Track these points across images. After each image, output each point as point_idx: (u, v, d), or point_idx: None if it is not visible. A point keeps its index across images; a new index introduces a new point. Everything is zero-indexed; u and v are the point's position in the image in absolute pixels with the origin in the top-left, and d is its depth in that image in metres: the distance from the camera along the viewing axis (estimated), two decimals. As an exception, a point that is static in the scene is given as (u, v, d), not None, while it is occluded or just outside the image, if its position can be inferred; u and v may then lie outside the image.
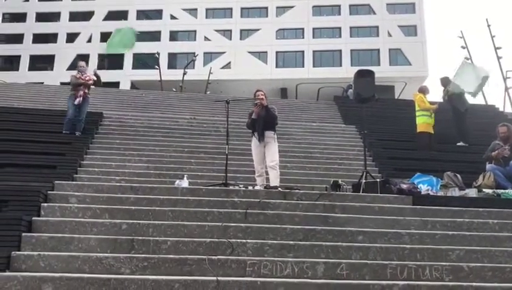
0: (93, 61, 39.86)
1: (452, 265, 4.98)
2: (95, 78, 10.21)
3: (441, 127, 11.13)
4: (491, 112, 15.36)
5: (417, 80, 38.11)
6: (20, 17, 46.98)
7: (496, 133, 8.92)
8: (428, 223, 6.09)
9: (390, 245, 5.41)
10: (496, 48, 28.70)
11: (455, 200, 7.02)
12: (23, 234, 4.95)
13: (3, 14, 47.60)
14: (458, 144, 11.09)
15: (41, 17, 46.97)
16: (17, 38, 46.01)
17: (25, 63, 45.37)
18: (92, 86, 10.39)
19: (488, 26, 29.11)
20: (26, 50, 45.42)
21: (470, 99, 12.25)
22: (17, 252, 4.65)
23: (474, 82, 11.62)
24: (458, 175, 8.05)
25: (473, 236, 5.79)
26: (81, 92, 9.81)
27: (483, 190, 7.71)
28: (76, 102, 9.70)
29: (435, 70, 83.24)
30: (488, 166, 8.50)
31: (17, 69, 44.49)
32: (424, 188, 7.42)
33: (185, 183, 7.20)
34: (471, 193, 7.48)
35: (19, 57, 45.42)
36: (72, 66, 11.00)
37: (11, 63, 45.63)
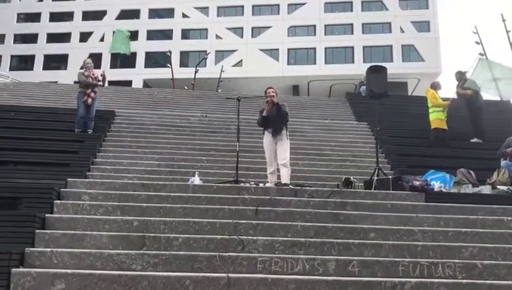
0: (106, 60, 40.20)
1: (465, 262, 4.92)
2: (101, 78, 10.21)
3: (455, 123, 10.99)
4: (505, 108, 15.12)
5: (430, 76, 37.66)
6: (34, 17, 47.54)
7: (511, 129, 8.80)
8: (441, 220, 6.03)
9: (403, 242, 5.37)
10: None
11: (468, 197, 6.95)
12: (37, 230, 5.02)
13: (18, 14, 48.21)
14: (472, 140, 10.93)
15: (55, 16, 47.47)
16: (32, 38, 46.60)
17: (39, 62, 45.94)
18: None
19: (503, 20, 28.65)
20: (40, 49, 45.97)
21: (485, 96, 12.04)
22: (31, 249, 4.71)
23: (491, 79, 11.26)
24: (472, 172, 7.97)
25: (487, 233, 5.72)
26: (92, 93, 9.83)
27: (498, 186, 7.62)
28: (89, 102, 9.74)
29: (449, 67, 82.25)
30: (502, 163, 8.39)
31: (32, 69, 45.06)
32: (437, 185, 7.35)
33: (196, 180, 7.23)
34: (485, 189, 7.40)
35: (33, 56, 46.00)
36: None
37: (26, 62, 46.23)
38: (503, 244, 5.46)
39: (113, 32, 12.44)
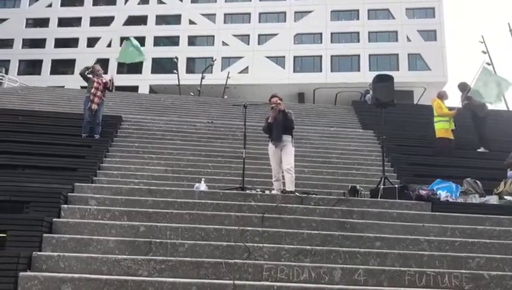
0: (113, 66, 40.42)
1: (472, 273, 4.90)
2: (108, 82, 10.19)
3: (461, 132, 10.96)
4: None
5: (436, 85, 37.64)
6: (43, 22, 47.97)
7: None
8: (448, 230, 6.02)
9: (409, 252, 5.35)
10: (518, 53, 28.23)
11: (475, 207, 6.92)
12: (44, 234, 5.04)
13: (27, 20, 48.65)
14: (479, 150, 10.89)
15: (63, 22, 47.87)
16: (40, 43, 46.99)
17: (47, 67, 46.29)
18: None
19: (510, 30, 28.66)
20: (48, 54, 46.34)
21: (490, 106, 11.99)
22: (38, 253, 4.74)
23: (495, 91, 11.25)
24: (478, 182, 7.93)
25: (494, 244, 5.69)
26: (96, 99, 9.84)
27: (505, 197, 7.58)
28: (93, 108, 9.72)
29: (455, 76, 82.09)
30: (509, 173, 8.36)
31: (39, 73, 45.40)
32: (443, 195, 7.34)
33: (202, 186, 7.25)
34: (492, 200, 7.37)
35: (41, 61, 46.37)
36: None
37: (34, 67, 46.59)
38: (511, 255, 5.44)
39: (124, 40, 11.92)
